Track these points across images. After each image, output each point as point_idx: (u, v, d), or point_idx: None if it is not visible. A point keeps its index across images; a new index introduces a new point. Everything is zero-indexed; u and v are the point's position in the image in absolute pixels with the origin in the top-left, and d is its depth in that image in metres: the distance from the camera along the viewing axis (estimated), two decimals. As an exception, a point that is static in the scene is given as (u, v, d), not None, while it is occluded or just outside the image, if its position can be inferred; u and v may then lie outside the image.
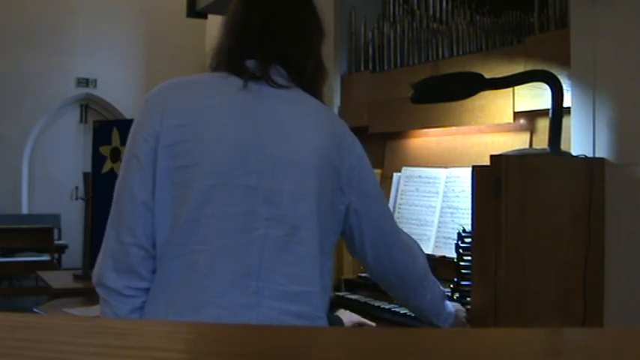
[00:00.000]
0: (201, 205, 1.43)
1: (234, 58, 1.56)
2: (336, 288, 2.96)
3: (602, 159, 2.17)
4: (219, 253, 1.43)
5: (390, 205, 2.96)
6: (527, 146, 2.55)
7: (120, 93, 9.62)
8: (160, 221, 1.45)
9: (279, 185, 1.47)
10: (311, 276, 1.49)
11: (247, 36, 1.56)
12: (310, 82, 1.58)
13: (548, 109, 2.25)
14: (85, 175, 4.78)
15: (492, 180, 2.02)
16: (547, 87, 2.25)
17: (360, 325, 2.32)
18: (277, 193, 1.47)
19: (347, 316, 2.39)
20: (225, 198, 1.44)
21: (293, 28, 1.58)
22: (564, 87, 2.24)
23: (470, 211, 2.12)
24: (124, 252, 1.46)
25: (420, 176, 2.87)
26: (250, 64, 1.54)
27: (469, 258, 2.25)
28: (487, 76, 2.35)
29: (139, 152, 1.46)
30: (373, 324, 2.45)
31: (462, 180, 2.66)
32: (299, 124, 1.54)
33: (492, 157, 2.06)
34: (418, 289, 1.81)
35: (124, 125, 5.80)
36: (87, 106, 9.89)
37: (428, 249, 2.74)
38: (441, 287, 1.92)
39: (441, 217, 2.72)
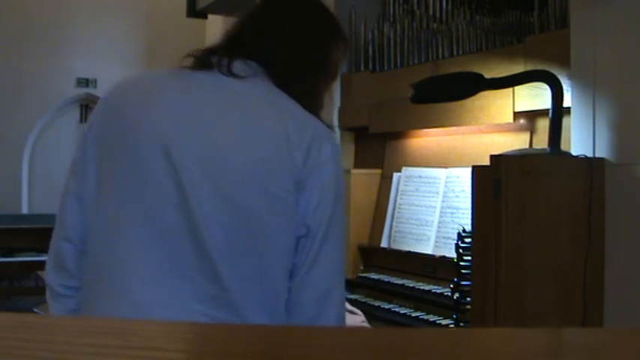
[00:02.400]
0: (115, 194, 1.41)
1: (202, 54, 1.46)
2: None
3: (602, 159, 2.17)
4: (138, 245, 1.34)
5: (390, 205, 2.96)
6: (527, 146, 2.55)
7: (120, 93, 9.60)
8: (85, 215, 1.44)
9: (189, 178, 1.35)
10: None
11: (226, 37, 1.50)
12: (285, 79, 1.41)
13: (548, 109, 2.25)
14: (85, 175, 4.78)
15: (492, 180, 2.02)
16: (547, 87, 2.25)
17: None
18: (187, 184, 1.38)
19: (350, 319, 2.39)
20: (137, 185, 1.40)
21: (270, 24, 1.45)
22: (564, 87, 2.24)
23: (470, 211, 2.12)
24: (56, 248, 1.47)
25: (420, 176, 2.87)
26: (214, 58, 1.43)
27: (469, 258, 2.25)
28: (487, 76, 2.35)
29: (77, 145, 1.49)
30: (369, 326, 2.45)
31: (462, 180, 2.66)
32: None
33: (492, 157, 2.06)
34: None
35: (124, 125, 5.80)
36: (87, 106, 9.89)
37: (428, 249, 2.74)
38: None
39: (441, 217, 2.72)
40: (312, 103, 1.41)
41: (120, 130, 1.34)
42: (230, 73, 1.37)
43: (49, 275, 1.43)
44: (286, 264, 1.29)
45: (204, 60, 1.42)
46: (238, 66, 1.38)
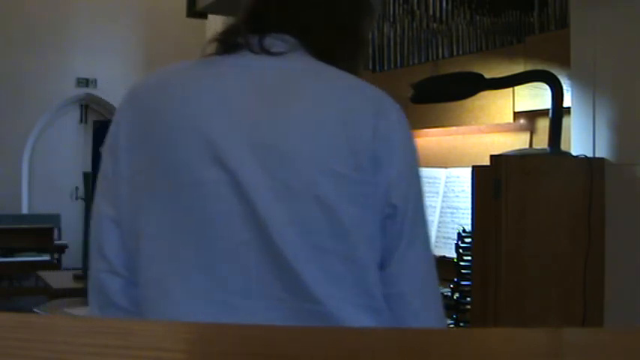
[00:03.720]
0: (160, 215, 1.17)
1: (224, 36, 1.25)
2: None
3: (602, 159, 2.17)
4: (194, 274, 1.15)
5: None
6: (527, 146, 2.55)
7: (120, 93, 9.51)
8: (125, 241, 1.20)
9: (251, 179, 1.16)
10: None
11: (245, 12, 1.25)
12: (329, 53, 1.22)
13: (548, 109, 2.25)
14: (85, 175, 4.78)
15: (492, 180, 2.02)
16: (547, 87, 2.25)
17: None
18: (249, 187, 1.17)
19: None
20: (184, 203, 1.15)
21: None
22: (564, 87, 2.24)
23: (470, 211, 2.12)
24: (98, 282, 1.17)
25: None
26: (241, 38, 1.23)
27: (469, 258, 2.25)
28: (487, 76, 2.35)
29: (103, 163, 1.25)
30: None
31: (462, 180, 2.66)
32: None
33: (492, 157, 2.06)
34: None
35: (124, 125, 5.80)
36: (87, 106, 9.90)
37: (428, 249, 2.74)
38: None
39: (441, 217, 2.72)
40: None
41: (157, 139, 1.13)
42: (264, 51, 1.17)
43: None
44: (376, 256, 1.11)
45: (231, 42, 1.20)
46: (272, 42, 1.18)
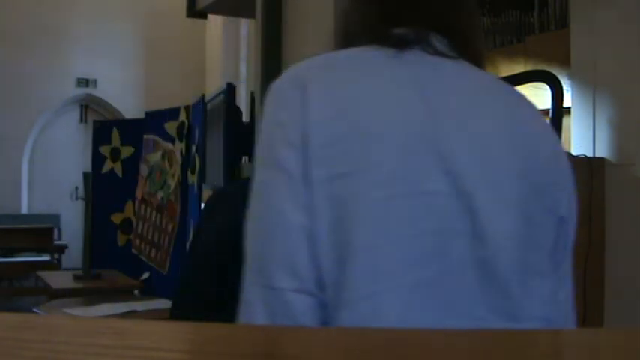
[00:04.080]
0: (376, 227, 1.03)
1: (378, 26, 1.15)
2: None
3: (602, 159, 2.17)
4: (412, 291, 1.03)
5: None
6: (527, 146, 2.55)
7: (120, 93, 9.63)
8: (319, 255, 1.02)
9: (476, 189, 1.06)
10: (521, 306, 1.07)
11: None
12: (477, 56, 1.15)
13: (548, 109, 2.25)
14: (85, 175, 4.78)
15: (492, 180, 2.02)
16: (547, 87, 2.25)
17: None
18: (477, 200, 1.06)
19: None
20: (405, 214, 1.03)
21: None
22: (564, 87, 2.24)
23: (470, 211, 2.12)
24: (282, 303, 1.00)
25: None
26: (400, 31, 1.14)
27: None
28: (487, 76, 2.35)
29: (283, 161, 1.05)
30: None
31: (461, 180, 2.66)
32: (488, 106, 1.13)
33: (492, 157, 2.06)
34: None
35: (124, 125, 5.81)
36: (87, 106, 9.90)
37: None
38: None
39: (441, 217, 2.72)
40: None
41: (361, 141, 1.02)
42: (438, 53, 1.10)
43: None
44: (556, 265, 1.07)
45: (404, 37, 1.11)
46: (438, 44, 1.11)
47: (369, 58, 1.10)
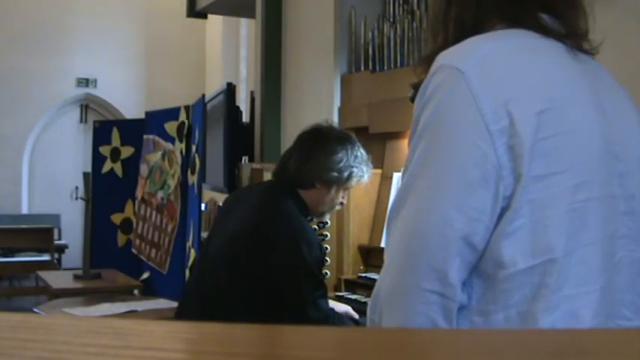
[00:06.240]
0: (576, 230, 0.99)
1: (527, 9, 1.09)
2: (336, 288, 2.97)
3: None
4: (603, 295, 1.01)
5: (390, 205, 2.96)
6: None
7: (120, 93, 9.63)
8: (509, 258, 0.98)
9: (637, 190, 1.06)
10: None
11: None
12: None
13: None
14: (85, 175, 4.78)
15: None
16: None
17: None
18: (636, 200, 1.06)
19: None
20: (599, 216, 1.01)
21: None
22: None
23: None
24: (424, 302, 0.98)
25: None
26: (547, 19, 1.10)
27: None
28: (487, 76, 2.35)
29: (470, 161, 0.97)
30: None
31: (462, 180, 2.66)
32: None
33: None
34: None
35: (124, 125, 5.81)
36: (87, 106, 9.90)
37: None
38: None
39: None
40: None
41: (565, 133, 0.99)
42: (579, 47, 1.10)
43: None
44: None
45: (537, 21, 1.08)
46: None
47: (542, 46, 1.07)
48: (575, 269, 0.98)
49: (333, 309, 2.30)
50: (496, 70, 1.00)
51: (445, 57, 1.02)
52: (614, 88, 1.12)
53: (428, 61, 1.07)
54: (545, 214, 0.97)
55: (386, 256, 1.03)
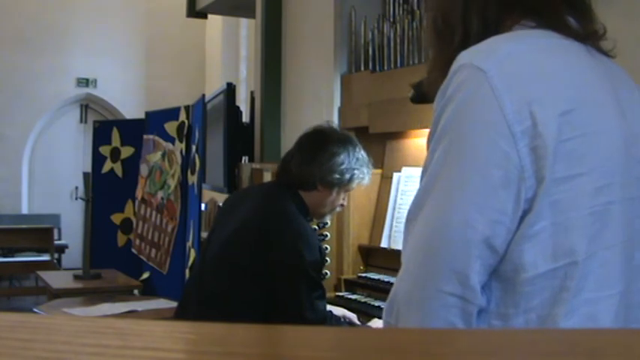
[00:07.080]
0: (598, 233, 0.97)
1: (553, 9, 1.08)
2: (336, 288, 2.97)
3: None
4: (622, 299, 1.00)
5: (390, 205, 2.96)
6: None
7: (120, 93, 9.63)
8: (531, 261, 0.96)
9: None
10: None
11: None
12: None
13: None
14: (85, 175, 4.79)
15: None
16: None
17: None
18: None
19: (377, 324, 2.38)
20: (620, 219, 1.00)
21: None
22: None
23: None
24: (443, 304, 0.96)
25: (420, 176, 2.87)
26: (569, 18, 1.09)
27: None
28: (487, 76, 2.34)
29: (492, 162, 0.95)
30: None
31: (462, 180, 2.66)
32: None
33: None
34: None
35: (124, 125, 5.81)
36: (87, 106, 9.90)
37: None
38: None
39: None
40: None
41: (587, 135, 0.98)
42: (598, 48, 1.09)
43: None
44: None
45: (561, 21, 1.07)
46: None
47: (564, 46, 1.05)
48: (596, 272, 0.96)
49: (330, 311, 2.29)
50: (519, 70, 0.98)
51: (466, 56, 1.00)
52: (632, 90, 1.11)
53: (446, 61, 1.05)
54: (566, 216, 0.95)
55: (404, 258, 1.02)
